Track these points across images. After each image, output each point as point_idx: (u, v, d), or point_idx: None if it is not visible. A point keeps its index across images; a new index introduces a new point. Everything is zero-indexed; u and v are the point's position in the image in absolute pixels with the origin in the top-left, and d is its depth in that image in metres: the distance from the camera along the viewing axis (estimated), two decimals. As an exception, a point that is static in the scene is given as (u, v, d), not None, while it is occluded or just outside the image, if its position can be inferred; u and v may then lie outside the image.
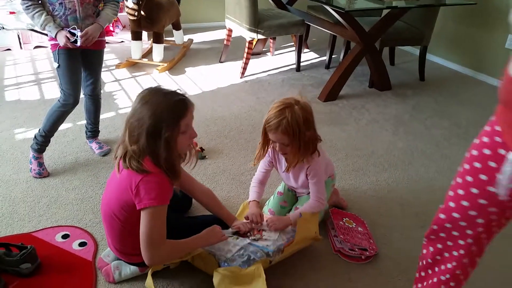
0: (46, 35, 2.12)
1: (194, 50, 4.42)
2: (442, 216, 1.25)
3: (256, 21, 3.48)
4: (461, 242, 1.23)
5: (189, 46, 4.45)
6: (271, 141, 1.72)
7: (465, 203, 1.16)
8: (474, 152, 1.12)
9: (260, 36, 3.56)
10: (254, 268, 1.50)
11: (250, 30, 3.51)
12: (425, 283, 1.38)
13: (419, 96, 3.51)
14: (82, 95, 2.29)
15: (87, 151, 2.48)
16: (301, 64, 4.01)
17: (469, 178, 1.14)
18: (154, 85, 1.52)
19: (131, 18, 3.51)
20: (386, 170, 2.43)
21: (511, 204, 1.07)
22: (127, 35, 4.26)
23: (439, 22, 3.76)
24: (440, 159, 2.57)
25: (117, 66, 3.82)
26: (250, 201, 1.86)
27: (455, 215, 1.20)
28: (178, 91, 1.49)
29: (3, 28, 3.95)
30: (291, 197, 1.98)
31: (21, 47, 4.17)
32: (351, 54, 3.38)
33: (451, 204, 1.21)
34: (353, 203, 2.12)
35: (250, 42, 3.62)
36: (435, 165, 2.51)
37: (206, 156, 2.47)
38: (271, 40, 4.32)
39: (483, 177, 1.09)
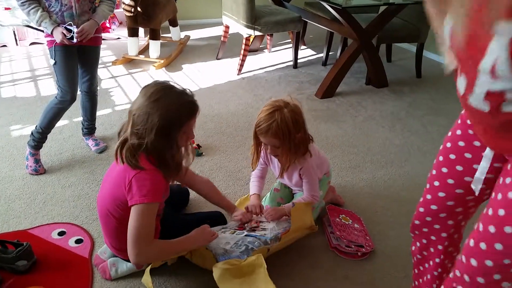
0: (42, 31, 2.11)
1: (191, 47, 4.40)
2: (421, 209, 1.27)
3: (253, 18, 3.47)
4: (444, 234, 1.26)
5: (186, 43, 4.44)
6: (262, 143, 1.74)
7: (442, 194, 1.19)
8: (448, 145, 1.16)
9: (257, 33, 3.55)
10: (255, 258, 1.48)
11: (247, 26, 3.50)
12: (421, 280, 1.40)
13: (415, 93, 3.51)
14: (78, 92, 2.29)
15: (84, 148, 2.47)
16: (298, 61, 4.00)
17: (444, 170, 1.16)
18: (162, 80, 1.51)
19: (128, 14, 3.50)
20: (382, 167, 2.44)
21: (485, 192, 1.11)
22: (124, 31, 4.24)
23: (436, 19, 3.76)
24: (437, 156, 2.58)
25: (114, 62, 3.80)
26: (251, 195, 1.88)
27: (433, 207, 1.22)
28: (188, 91, 1.49)
29: (-1, 24, 3.93)
30: (287, 194, 1.99)
31: (16, 44, 4.15)
32: (348, 51, 3.38)
33: (428, 196, 1.24)
34: (349, 200, 2.13)
35: (247, 39, 3.62)
36: (432, 162, 2.50)
37: (203, 153, 2.47)
38: (268, 37, 4.31)
39: (459, 168, 1.13)
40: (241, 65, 3.70)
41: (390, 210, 2.08)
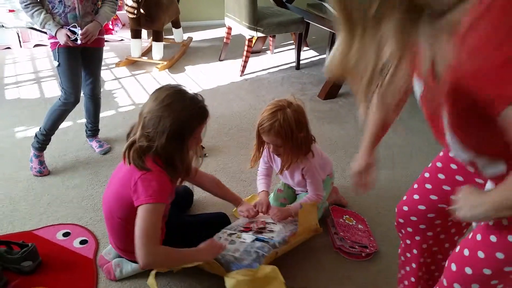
0: (46, 33, 2.12)
1: (193, 48, 4.41)
2: (405, 208, 1.27)
3: (256, 19, 3.48)
4: (429, 233, 1.25)
5: (189, 44, 4.45)
6: (265, 142, 1.75)
7: (433, 197, 1.19)
8: (441, 153, 1.20)
9: (260, 34, 3.56)
10: (270, 271, 1.47)
11: (250, 28, 3.51)
12: (406, 282, 1.40)
13: (418, 94, 3.51)
14: (82, 94, 2.30)
15: (88, 149, 2.48)
16: (301, 62, 4.01)
17: (441, 176, 1.17)
18: (174, 83, 1.53)
19: (131, 16, 3.51)
20: (385, 168, 2.44)
21: None
22: (127, 33, 4.24)
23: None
24: (440, 157, 2.58)
25: (117, 64, 3.81)
26: (259, 192, 1.90)
27: (421, 207, 1.21)
28: (199, 96, 1.50)
29: (3, 27, 3.95)
30: (290, 194, 2.00)
31: (20, 46, 4.17)
32: (351, 52, 3.37)
33: (416, 196, 1.23)
34: (353, 201, 2.13)
35: (250, 40, 3.62)
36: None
37: (206, 154, 2.48)
38: (271, 38, 4.31)
39: (459, 178, 1.15)
40: (244, 67, 3.71)
41: (392, 211, 2.05)
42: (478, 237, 0.96)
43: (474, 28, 0.67)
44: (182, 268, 1.51)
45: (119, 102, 3.13)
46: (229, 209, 1.96)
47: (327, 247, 1.83)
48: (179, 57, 4.08)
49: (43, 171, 2.22)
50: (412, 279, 1.35)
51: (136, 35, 3.73)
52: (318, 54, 4.42)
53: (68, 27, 2.04)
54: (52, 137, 2.27)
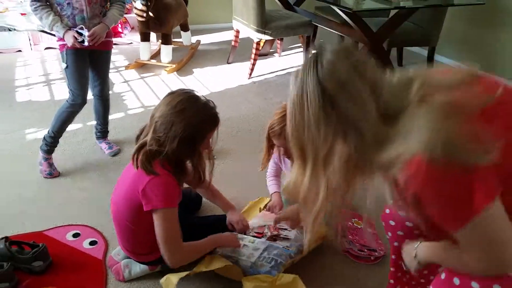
0: (54, 35, 2.14)
1: (202, 51, 4.44)
2: (392, 223, 1.27)
3: (264, 22, 3.49)
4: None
5: (197, 47, 4.48)
6: (275, 145, 1.76)
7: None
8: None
9: (268, 37, 3.57)
10: (291, 280, 1.49)
11: (258, 31, 3.52)
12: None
13: (427, 97, 3.49)
14: (91, 96, 2.32)
15: (97, 151, 2.50)
16: (309, 65, 4.00)
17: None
18: (187, 89, 1.54)
19: (140, 19, 3.54)
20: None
21: None
22: (136, 36, 4.29)
23: (447, 23, 3.74)
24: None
25: (126, 67, 3.85)
26: (272, 193, 1.92)
27: (409, 224, 1.22)
28: (211, 103, 1.52)
29: (15, 30, 4.00)
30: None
31: (31, 49, 4.22)
32: (359, 55, 3.37)
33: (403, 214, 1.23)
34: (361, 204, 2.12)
35: (258, 43, 3.63)
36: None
37: (215, 157, 2.48)
38: (279, 41, 4.32)
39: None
40: (252, 69, 3.72)
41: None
42: (442, 275, 0.97)
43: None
44: (199, 271, 1.52)
45: (128, 104, 3.16)
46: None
47: (335, 250, 1.82)
48: (188, 60, 4.10)
49: (53, 173, 2.25)
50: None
51: (145, 38, 3.76)
52: (326, 57, 4.41)
53: (75, 29, 2.06)
54: (62, 139, 2.29)
